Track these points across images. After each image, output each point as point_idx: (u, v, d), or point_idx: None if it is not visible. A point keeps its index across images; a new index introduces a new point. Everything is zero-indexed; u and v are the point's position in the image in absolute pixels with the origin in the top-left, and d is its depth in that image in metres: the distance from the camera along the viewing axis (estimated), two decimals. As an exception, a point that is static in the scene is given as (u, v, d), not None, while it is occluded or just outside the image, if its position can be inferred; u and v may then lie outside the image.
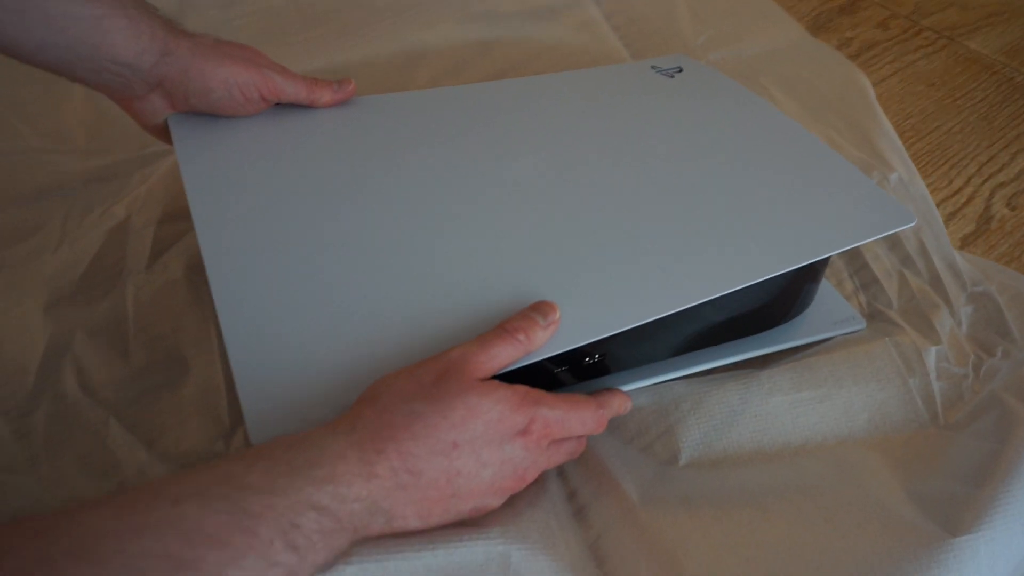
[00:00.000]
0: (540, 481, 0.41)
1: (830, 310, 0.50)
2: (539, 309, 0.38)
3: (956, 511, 0.39)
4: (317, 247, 0.42)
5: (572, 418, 0.39)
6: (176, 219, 0.56)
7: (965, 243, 0.57)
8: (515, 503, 0.39)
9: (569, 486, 0.43)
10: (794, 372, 0.47)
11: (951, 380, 0.48)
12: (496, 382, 0.36)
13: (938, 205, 0.60)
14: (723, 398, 0.45)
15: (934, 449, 0.44)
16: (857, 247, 0.55)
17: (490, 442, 0.35)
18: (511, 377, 0.37)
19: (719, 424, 0.44)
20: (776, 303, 0.47)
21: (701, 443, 0.44)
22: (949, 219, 0.60)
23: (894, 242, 0.56)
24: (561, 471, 0.43)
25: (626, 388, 0.45)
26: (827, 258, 0.46)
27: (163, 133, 0.50)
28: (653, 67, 0.58)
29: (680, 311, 0.39)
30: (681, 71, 0.57)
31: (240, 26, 0.75)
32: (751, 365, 0.47)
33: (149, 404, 0.45)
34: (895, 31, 0.79)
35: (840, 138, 0.64)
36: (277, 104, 0.50)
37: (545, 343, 0.38)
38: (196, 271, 0.53)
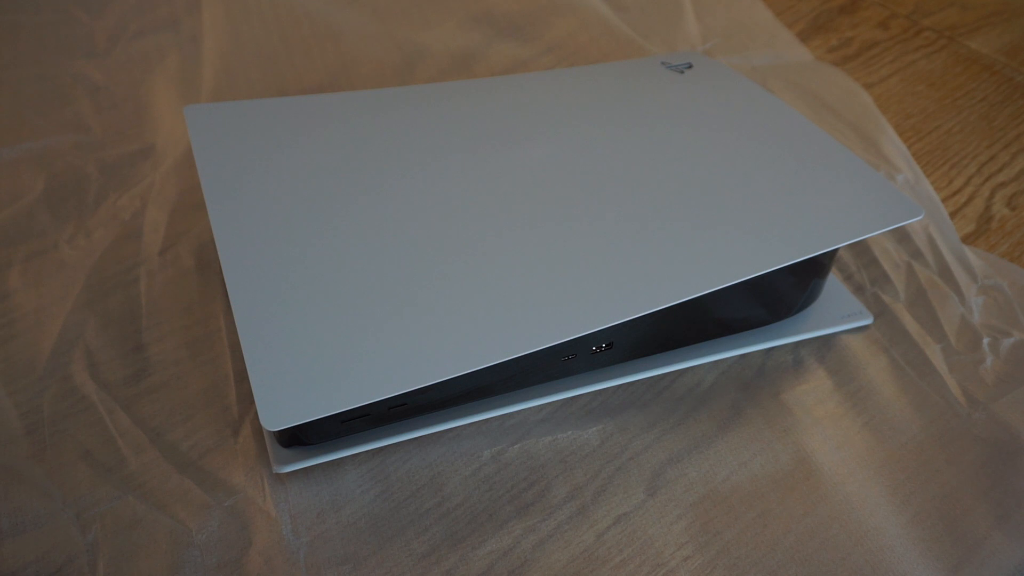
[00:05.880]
0: None
1: (837, 305, 0.51)
2: None
3: None
4: (331, 237, 0.42)
5: None
6: (188, 209, 0.56)
7: (965, 243, 0.57)
8: None
9: None
10: (820, 399, 0.47)
11: (964, 371, 0.49)
12: None
13: (939, 205, 0.60)
14: (763, 447, 0.45)
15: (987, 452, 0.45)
16: (865, 242, 0.56)
17: None
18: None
19: None
20: (783, 296, 0.48)
21: None
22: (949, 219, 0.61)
23: (903, 237, 0.56)
24: None
25: (632, 379, 0.46)
26: (834, 251, 0.46)
27: None
28: (663, 63, 0.58)
29: (686, 302, 0.39)
30: (691, 67, 0.57)
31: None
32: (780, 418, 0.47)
33: (158, 396, 0.45)
34: (895, 31, 0.79)
35: (847, 142, 0.65)
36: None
37: None
38: (207, 262, 0.53)
